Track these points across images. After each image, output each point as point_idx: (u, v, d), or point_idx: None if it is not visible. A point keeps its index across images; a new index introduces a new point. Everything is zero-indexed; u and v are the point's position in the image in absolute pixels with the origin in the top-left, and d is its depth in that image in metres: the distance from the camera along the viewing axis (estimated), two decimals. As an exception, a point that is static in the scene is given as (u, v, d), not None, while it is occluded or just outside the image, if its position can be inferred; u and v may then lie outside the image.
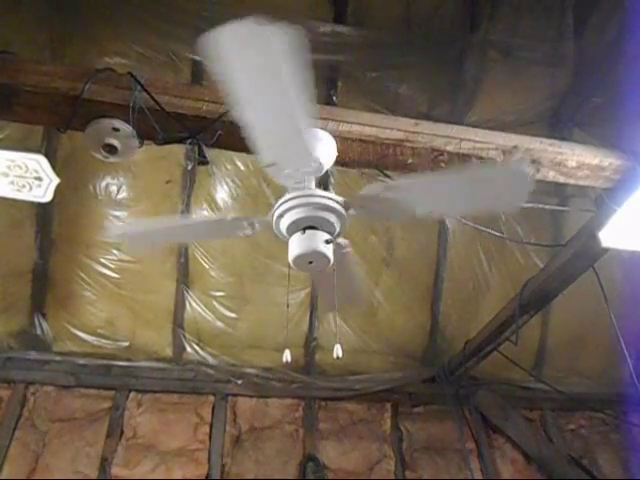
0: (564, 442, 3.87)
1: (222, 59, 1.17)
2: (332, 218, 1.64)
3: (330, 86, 3.19)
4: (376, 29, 3.11)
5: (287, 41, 1.13)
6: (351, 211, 1.65)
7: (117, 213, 3.33)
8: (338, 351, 1.56)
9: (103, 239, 3.37)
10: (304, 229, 1.62)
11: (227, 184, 3.33)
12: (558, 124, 3.37)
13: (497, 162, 2.02)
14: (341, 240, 1.76)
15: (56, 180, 1.73)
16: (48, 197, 1.79)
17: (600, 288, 2.54)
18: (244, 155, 3.11)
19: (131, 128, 1.81)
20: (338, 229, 1.67)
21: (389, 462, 3.59)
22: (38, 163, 1.67)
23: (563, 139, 2.35)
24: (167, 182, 3.33)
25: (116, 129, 1.80)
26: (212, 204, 3.37)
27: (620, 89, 3.04)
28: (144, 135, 1.86)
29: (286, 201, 1.62)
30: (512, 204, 1.82)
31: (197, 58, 3.02)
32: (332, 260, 1.62)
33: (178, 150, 3.18)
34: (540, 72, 3.23)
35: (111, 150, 1.83)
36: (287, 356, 1.64)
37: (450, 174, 1.75)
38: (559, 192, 3.44)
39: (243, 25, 1.10)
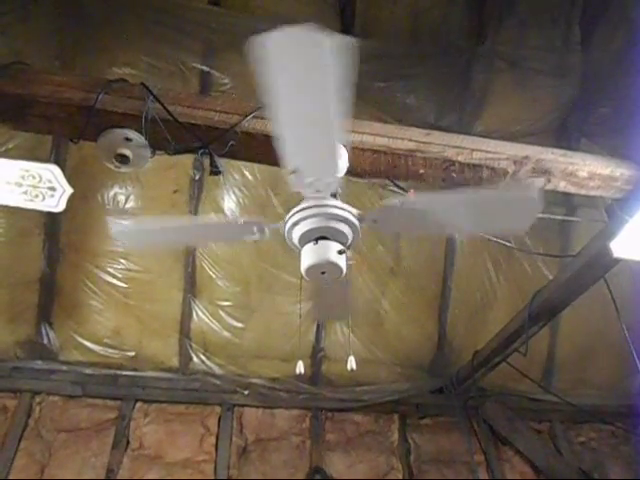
0: (573, 454, 3.83)
1: (269, 61, 1.16)
2: (345, 229, 1.64)
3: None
4: (384, 40, 3.13)
5: (337, 52, 1.14)
6: (364, 224, 1.65)
7: (125, 223, 3.32)
8: (352, 363, 1.54)
9: (111, 248, 3.37)
10: (317, 239, 1.62)
11: (235, 194, 3.33)
12: (565, 134, 3.37)
13: (508, 175, 2.02)
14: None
15: (69, 190, 1.73)
16: (61, 207, 1.79)
17: (612, 299, 2.52)
18: (252, 165, 3.14)
19: (143, 138, 1.81)
20: (350, 240, 1.67)
21: (397, 474, 3.55)
22: (52, 173, 1.67)
23: (570, 149, 2.35)
24: (175, 192, 3.33)
25: (128, 139, 1.81)
26: (220, 214, 3.38)
27: (627, 99, 3.04)
28: (156, 145, 1.86)
29: (299, 211, 1.62)
30: (521, 226, 1.81)
31: (205, 69, 3.05)
32: (345, 271, 1.61)
33: (186, 160, 3.19)
34: (547, 83, 3.24)
35: (123, 160, 1.83)
36: (300, 368, 1.62)
37: (464, 194, 1.75)
38: (567, 202, 3.44)
39: (296, 31, 1.10)
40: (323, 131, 1.37)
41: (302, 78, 1.23)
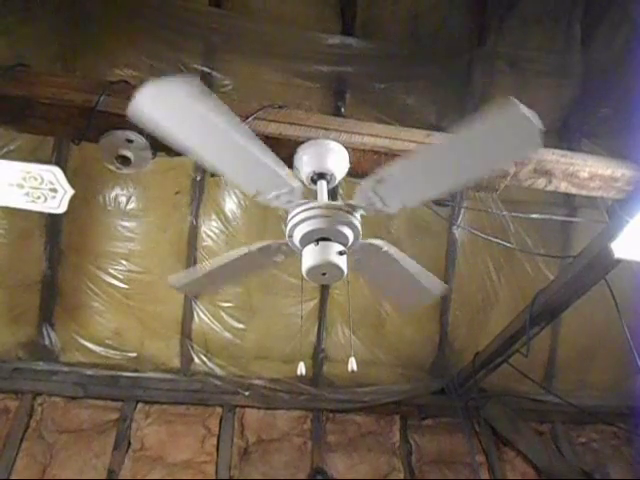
0: (575, 455, 3.82)
1: (156, 120, 1.27)
2: (345, 229, 1.64)
3: (338, 98, 3.21)
4: (384, 41, 3.13)
5: (193, 88, 1.22)
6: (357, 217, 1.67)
7: (126, 224, 3.34)
8: (353, 365, 1.54)
9: (112, 250, 3.38)
10: (317, 241, 1.62)
11: (236, 195, 3.33)
12: (566, 135, 3.37)
13: (509, 176, 2.02)
14: (375, 241, 1.77)
15: (71, 191, 1.74)
16: (63, 208, 1.80)
17: (613, 300, 2.52)
18: (253, 166, 3.14)
19: (144, 140, 1.82)
20: (351, 240, 1.67)
21: (398, 475, 3.55)
22: (53, 174, 1.67)
23: (571, 150, 2.35)
24: (176, 193, 3.34)
25: (130, 140, 1.81)
26: (221, 215, 3.38)
27: (628, 100, 3.04)
28: (157, 147, 1.87)
29: (297, 214, 1.62)
30: (524, 151, 1.70)
31: (206, 70, 3.05)
32: (346, 272, 1.62)
33: (187, 161, 3.18)
34: (548, 83, 3.24)
35: (124, 161, 1.84)
36: (302, 369, 1.63)
37: (447, 139, 1.61)
38: (568, 203, 3.44)
39: (152, 87, 1.18)
40: (243, 154, 1.44)
41: (189, 121, 1.31)
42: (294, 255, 1.73)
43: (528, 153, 1.54)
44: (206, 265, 2.02)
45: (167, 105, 1.25)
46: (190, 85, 1.20)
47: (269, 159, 1.47)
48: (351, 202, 1.62)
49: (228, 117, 1.31)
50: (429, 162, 1.42)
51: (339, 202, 1.65)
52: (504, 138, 1.35)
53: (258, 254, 1.82)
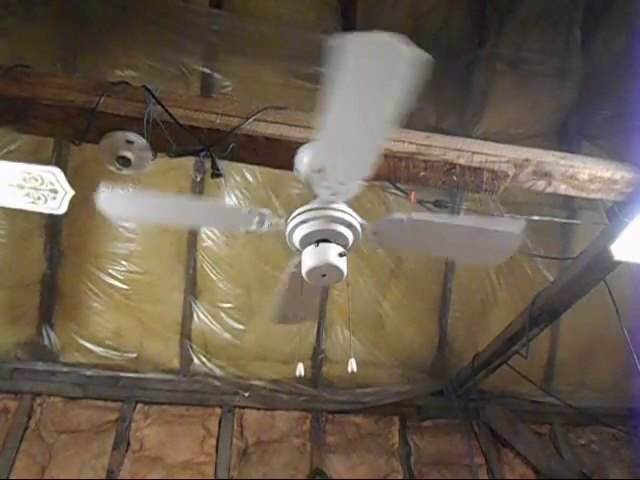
0: (574, 457, 3.82)
1: (345, 59, 1.15)
2: (345, 231, 1.64)
3: (339, 98, 3.21)
4: (385, 42, 3.13)
5: (411, 63, 1.14)
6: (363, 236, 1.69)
7: (126, 224, 3.34)
8: (353, 365, 1.55)
9: (112, 250, 3.38)
10: (317, 242, 1.62)
11: (236, 196, 3.33)
12: (566, 137, 3.37)
13: (509, 178, 2.03)
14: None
15: (71, 192, 1.74)
16: (63, 209, 1.80)
17: (612, 302, 2.52)
18: (253, 167, 3.14)
19: (145, 140, 1.82)
20: (351, 242, 1.67)
21: (397, 476, 3.55)
22: (54, 175, 1.68)
23: (571, 152, 2.35)
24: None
25: (130, 141, 1.82)
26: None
27: (628, 102, 3.04)
28: (157, 148, 1.87)
29: (300, 213, 1.63)
30: (497, 259, 2.03)
31: (207, 71, 3.05)
32: (346, 273, 1.62)
33: (187, 162, 3.19)
34: (548, 85, 3.24)
35: (125, 162, 1.84)
36: (300, 370, 1.63)
37: (455, 220, 1.92)
38: (567, 205, 3.44)
39: (381, 37, 1.10)
40: (368, 138, 1.39)
41: (371, 82, 1.22)
42: (276, 231, 1.73)
43: (501, 260, 1.65)
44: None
45: (369, 56, 1.15)
46: (407, 52, 1.13)
47: (374, 154, 1.47)
48: (319, 197, 1.62)
49: (398, 100, 1.24)
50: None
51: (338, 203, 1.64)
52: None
53: (225, 210, 1.85)
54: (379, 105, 1.26)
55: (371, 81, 1.22)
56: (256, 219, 1.70)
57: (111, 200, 1.77)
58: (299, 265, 1.77)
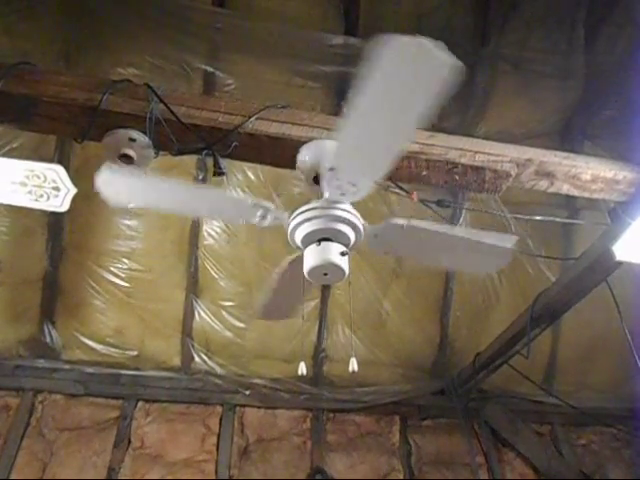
0: (575, 457, 3.82)
1: (380, 60, 1.15)
2: (347, 230, 1.64)
3: (341, 98, 3.21)
4: (387, 41, 3.12)
5: (443, 68, 1.13)
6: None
7: (128, 222, 3.34)
8: (354, 365, 1.55)
9: (114, 248, 3.38)
10: (319, 241, 1.62)
11: (238, 193, 3.33)
12: (569, 137, 3.37)
13: (511, 178, 2.03)
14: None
15: (73, 190, 1.74)
16: (65, 207, 1.80)
17: (614, 302, 2.52)
18: (255, 165, 3.14)
19: (147, 138, 1.82)
20: (353, 241, 1.68)
21: (397, 475, 3.55)
22: (56, 173, 1.68)
23: (574, 152, 2.35)
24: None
25: (133, 139, 1.82)
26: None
27: (631, 102, 3.04)
28: (160, 145, 1.87)
29: (302, 212, 1.63)
30: (489, 269, 2.17)
31: (210, 69, 3.05)
32: (347, 272, 1.62)
33: (189, 160, 3.19)
34: (550, 85, 3.23)
35: (127, 160, 1.84)
36: (302, 369, 1.63)
37: (453, 230, 1.89)
38: (570, 205, 3.44)
39: (414, 41, 1.10)
40: (391, 141, 1.38)
41: (403, 86, 1.22)
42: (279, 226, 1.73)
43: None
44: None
45: (404, 59, 1.15)
46: (444, 62, 1.12)
47: (392, 158, 1.46)
48: (326, 197, 1.61)
49: (426, 105, 1.25)
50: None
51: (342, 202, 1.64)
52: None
53: (228, 200, 1.83)
54: (407, 109, 1.26)
55: (403, 85, 1.21)
56: (259, 212, 1.69)
57: (111, 182, 1.63)
58: (293, 262, 1.78)
